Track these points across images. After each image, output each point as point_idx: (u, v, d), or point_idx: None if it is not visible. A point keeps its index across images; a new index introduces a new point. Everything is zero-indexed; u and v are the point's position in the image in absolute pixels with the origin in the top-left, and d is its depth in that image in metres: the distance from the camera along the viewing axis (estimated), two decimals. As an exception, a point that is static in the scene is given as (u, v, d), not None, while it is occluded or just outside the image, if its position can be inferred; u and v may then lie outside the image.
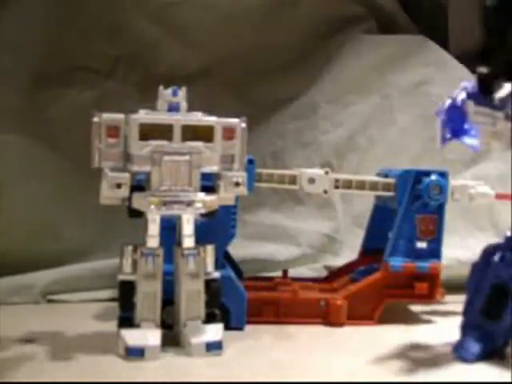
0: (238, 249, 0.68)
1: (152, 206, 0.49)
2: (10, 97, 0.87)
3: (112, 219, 0.68)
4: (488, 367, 0.48)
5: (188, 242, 0.51)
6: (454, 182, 0.63)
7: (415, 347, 0.54)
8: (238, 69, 0.95)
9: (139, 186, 0.50)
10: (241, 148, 0.52)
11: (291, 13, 1.00)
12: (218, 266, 0.54)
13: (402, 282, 0.62)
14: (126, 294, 0.50)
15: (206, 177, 0.52)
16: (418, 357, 0.51)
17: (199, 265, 0.51)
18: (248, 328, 0.58)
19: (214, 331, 0.51)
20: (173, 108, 0.51)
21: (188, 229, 0.51)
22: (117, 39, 0.93)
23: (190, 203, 0.50)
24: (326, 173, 0.62)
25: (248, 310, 0.59)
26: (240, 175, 0.51)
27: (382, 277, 0.61)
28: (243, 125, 0.52)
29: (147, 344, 0.49)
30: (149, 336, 0.49)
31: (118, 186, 0.48)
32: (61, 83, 0.91)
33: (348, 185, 0.63)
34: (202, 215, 0.51)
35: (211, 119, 0.51)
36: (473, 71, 0.92)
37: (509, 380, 0.44)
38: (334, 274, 0.71)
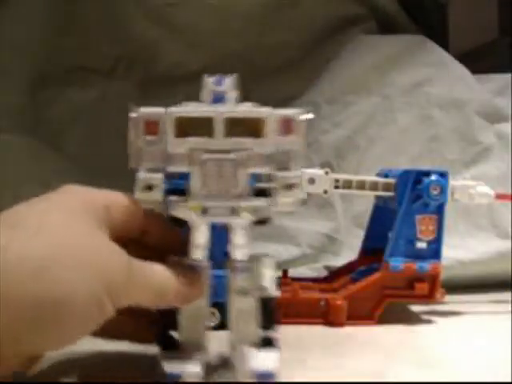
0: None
1: (192, 213, 0.42)
2: (11, 97, 0.87)
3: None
4: (488, 367, 0.49)
5: (239, 253, 0.44)
6: (454, 182, 0.63)
7: (415, 347, 0.54)
8: (238, 68, 0.95)
9: (179, 189, 0.44)
10: (299, 144, 0.44)
11: (291, 13, 1.00)
12: (218, 266, 0.53)
13: (402, 282, 0.62)
14: (168, 311, 0.44)
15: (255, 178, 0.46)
16: (417, 357, 0.51)
17: (252, 280, 0.44)
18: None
19: (268, 359, 0.44)
20: (217, 99, 0.43)
21: (239, 239, 0.44)
22: (117, 39, 0.94)
23: (235, 209, 0.43)
24: (326, 173, 0.62)
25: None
26: (295, 176, 0.43)
27: (382, 277, 0.61)
28: (303, 117, 0.43)
29: (187, 371, 0.42)
30: (190, 361, 0.43)
31: (149, 187, 0.42)
32: (61, 83, 0.91)
33: (348, 185, 0.62)
34: (254, 223, 0.44)
35: (262, 110, 0.43)
36: (473, 71, 0.93)
37: (509, 380, 0.44)
38: (334, 274, 0.71)
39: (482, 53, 1.08)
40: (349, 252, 0.76)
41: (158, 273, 0.40)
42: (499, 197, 0.65)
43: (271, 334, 0.44)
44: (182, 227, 0.43)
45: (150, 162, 0.43)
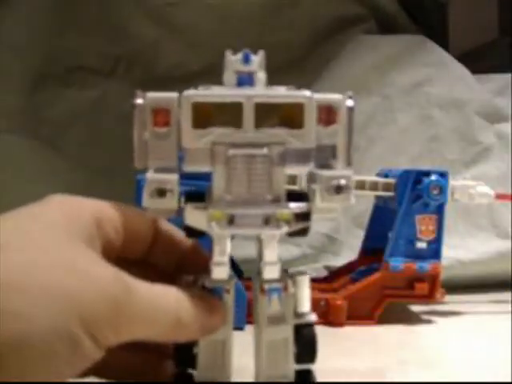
0: (237, 249, 0.68)
1: (213, 223, 0.33)
2: (10, 97, 0.87)
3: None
4: (488, 367, 0.49)
5: (270, 271, 0.35)
6: (453, 182, 0.63)
7: (415, 347, 0.54)
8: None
9: (199, 192, 0.35)
10: (346, 136, 0.35)
11: (291, 13, 1.00)
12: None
13: (402, 282, 0.62)
14: (184, 344, 0.35)
15: None
16: (417, 357, 0.51)
17: (287, 304, 0.36)
18: (248, 328, 0.58)
19: None
20: (244, 81, 0.34)
21: (270, 254, 0.35)
22: (117, 39, 0.94)
23: (268, 218, 0.34)
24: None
25: (248, 309, 0.59)
26: (344, 175, 0.34)
27: (382, 277, 0.61)
28: (349, 103, 0.35)
29: None
30: None
31: (161, 193, 0.33)
32: (61, 83, 0.91)
33: (348, 185, 0.62)
34: (290, 234, 0.35)
35: (301, 94, 0.34)
36: (473, 71, 0.93)
37: (509, 380, 0.44)
38: (334, 274, 0.71)
39: (482, 53, 1.08)
40: (349, 252, 0.77)
41: (170, 297, 0.31)
42: (499, 197, 0.65)
43: (308, 367, 0.36)
44: (201, 237, 0.35)
45: (159, 160, 0.34)
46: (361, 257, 0.70)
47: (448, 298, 0.63)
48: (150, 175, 0.33)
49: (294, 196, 0.35)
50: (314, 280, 0.71)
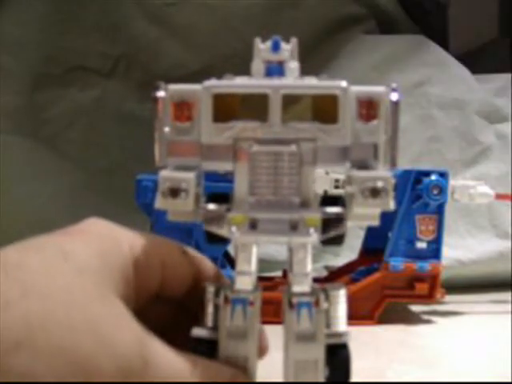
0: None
1: (233, 228, 0.30)
2: (10, 97, 0.87)
3: (114, 220, 0.68)
4: (488, 367, 0.49)
5: (300, 284, 0.33)
6: (453, 182, 0.63)
7: (415, 347, 0.54)
8: (239, 68, 0.95)
9: (224, 194, 0.32)
10: (388, 134, 0.31)
11: (291, 13, 1.00)
12: (218, 265, 0.53)
13: (402, 282, 0.62)
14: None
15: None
16: (417, 357, 0.51)
17: (318, 321, 0.31)
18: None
19: None
20: (273, 71, 0.31)
21: (300, 264, 0.33)
22: (117, 39, 0.94)
23: (296, 224, 0.31)
24: (327, 173, 0.62)
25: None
26: (381, 177, 0.30)
27: (382, 277, 0.61)
28: (394, 96, 0.30)
29: None
30: None
31: (174, 192, 0.30)
32: (61, 83, 0.91)
33: (348, 185, 0.62)
34: (324, 243, 0.32)
35: (334, 85, 0.31)
36: (473, 71, 0.93)
37: (509, 380, 0.44)
38: (334, 274, 0.71)
39: (481, 53, 1.08)
40: (349, 252, 0.76)
41: (193, 375, 0.28)
42: (499, 197, 0.65)
43: None
44: (224, 243, 0.32)
45: (179, 157, 0.31)
46: (361, 257, 0.70)
47: (448, 298, 0.63)
48: (164, 173, 0.30)
49: (329, 200, 0.32)
50: (314, 280, 0.71)
